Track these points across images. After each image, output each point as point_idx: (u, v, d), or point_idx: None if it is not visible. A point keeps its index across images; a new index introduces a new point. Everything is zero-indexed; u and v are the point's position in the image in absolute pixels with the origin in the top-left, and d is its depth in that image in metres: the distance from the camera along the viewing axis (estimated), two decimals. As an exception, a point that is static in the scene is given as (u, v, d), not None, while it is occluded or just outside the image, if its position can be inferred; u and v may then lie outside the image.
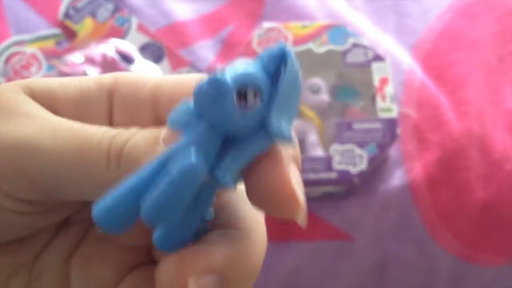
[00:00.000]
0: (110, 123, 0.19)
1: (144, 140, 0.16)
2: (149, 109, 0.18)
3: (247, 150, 0.15)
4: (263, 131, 0.15)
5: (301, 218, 0.15)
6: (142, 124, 0.18)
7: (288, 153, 0.15)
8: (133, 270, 0.19)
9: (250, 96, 0.14)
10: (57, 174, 0.17)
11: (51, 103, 0.18)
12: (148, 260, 0.19)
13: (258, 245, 0.17)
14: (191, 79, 0.18)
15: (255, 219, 0.17)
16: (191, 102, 0.15)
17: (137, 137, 0.17)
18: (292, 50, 0.15)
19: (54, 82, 0.19)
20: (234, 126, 0.14)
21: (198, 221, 0.16)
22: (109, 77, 0.19)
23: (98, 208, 0.15)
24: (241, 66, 0.14)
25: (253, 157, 0.15)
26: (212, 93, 0.14)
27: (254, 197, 0.15)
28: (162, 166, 0.15)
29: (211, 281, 0.15)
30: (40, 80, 0.19)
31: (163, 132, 0.16)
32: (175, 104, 0.16)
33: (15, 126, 0.17)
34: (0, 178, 0.17)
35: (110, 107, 0.19)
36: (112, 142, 0.16)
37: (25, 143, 0.17)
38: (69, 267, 0.19)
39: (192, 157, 0.14)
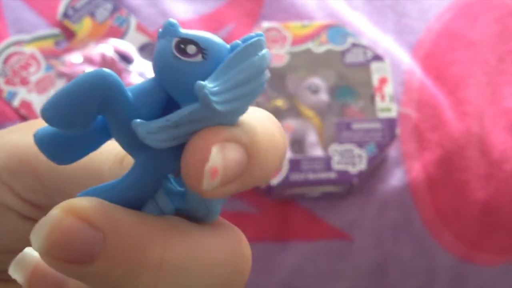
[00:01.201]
0: None
1: None
2: None
3: (179, 112, 0.15)
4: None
5: (208, 193, 0.15)
6: None
7: (227, 133, 0.15)
8: None
9: (190, 48, 0.15)
10: (62, 174, 0.18)
11: None
12: None
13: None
14: None
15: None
16: None
17: None
18: (263, 38, 0.15)
19: None
20: (168, 71, 0.15)
21: (140, 191, 0.16)
22: None
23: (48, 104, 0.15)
24: (203, 32, 0.15)
25: (184, 121, 0.15)
26: (160, 32, 0.15)
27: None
28: None
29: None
30: None
31: None
32: None
33: None
34: (11, 174, 0.19)
35: None
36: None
37: None
38: None
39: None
